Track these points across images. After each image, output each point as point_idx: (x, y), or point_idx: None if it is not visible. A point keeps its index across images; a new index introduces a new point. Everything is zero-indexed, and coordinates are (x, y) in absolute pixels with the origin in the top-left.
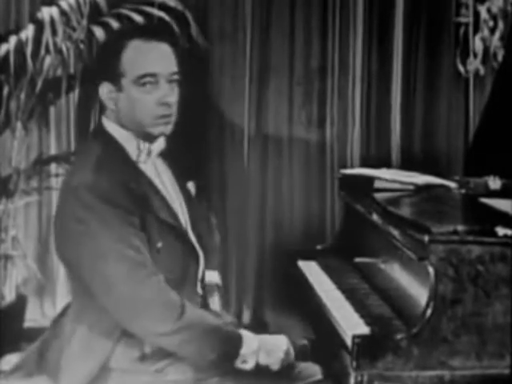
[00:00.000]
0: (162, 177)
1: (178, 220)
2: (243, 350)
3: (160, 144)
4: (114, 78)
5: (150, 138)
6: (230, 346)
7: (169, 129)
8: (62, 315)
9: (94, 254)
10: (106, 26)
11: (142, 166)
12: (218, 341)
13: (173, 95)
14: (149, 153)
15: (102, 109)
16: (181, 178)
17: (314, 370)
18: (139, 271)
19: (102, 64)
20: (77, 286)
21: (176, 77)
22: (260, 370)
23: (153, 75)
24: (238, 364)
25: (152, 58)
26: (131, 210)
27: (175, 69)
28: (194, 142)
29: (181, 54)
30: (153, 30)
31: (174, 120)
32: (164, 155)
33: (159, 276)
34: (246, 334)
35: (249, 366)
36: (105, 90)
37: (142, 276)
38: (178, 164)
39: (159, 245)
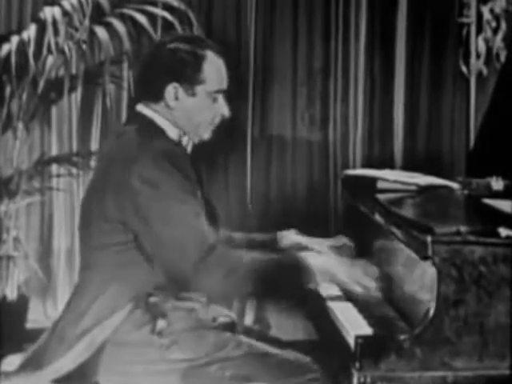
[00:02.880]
0: None
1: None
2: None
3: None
4: (191, 83)
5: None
6: (295, 273)
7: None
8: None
9: (161, 215)
10: (108, 26)
11: None
12: (282, 273)
13: (227, 108)
14: (187, 146)
15: (149, 101)
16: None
17: (315, 365)
18: (207, 236)
19: (179, 66)
20: (111, 254)
21: None
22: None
23: (223, 91)
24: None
25: (224, 76)
26: (195, 182)
27: None
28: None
29: None
30: (211, 44)
31: None
32: None
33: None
34: (305, 256)
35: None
36: (172, 90)
37: (209, 241)
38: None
39: None
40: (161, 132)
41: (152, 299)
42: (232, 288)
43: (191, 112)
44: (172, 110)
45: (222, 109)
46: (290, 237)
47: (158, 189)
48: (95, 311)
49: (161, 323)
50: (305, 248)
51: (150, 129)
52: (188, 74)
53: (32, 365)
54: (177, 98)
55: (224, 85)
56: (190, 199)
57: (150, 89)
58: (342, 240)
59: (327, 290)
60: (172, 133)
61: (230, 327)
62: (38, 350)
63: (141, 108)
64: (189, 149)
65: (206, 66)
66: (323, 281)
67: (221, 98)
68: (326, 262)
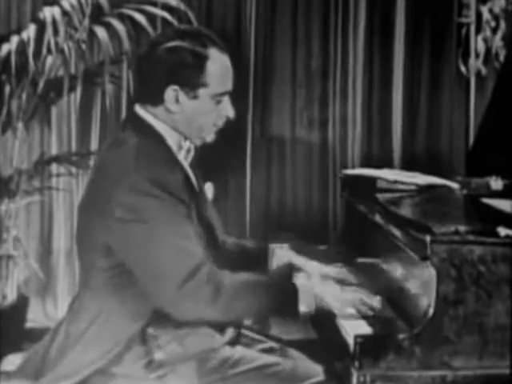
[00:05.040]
0: None
1: (213, 220)
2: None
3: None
4: (192, 86)
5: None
6: (284, 299)
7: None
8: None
9: (146, 241)
10: (107, 26)
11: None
12: (271, 297)
13: (232, 110)
14: (188, 151)
15: (148, 104)
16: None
17: (315, 370)
18: (191, 260)
19: (179, 68)
20: (105, 277)
21: None
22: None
23: (228, 93)
24: (301, 310)
25: (230, 76)
26: (186, 202)
27: None
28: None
29: None
30: (215, 40)
31: None
32: None
33: (208, 265)
34: (300, 283)
35: (309, 309)
36: (172, 93)
37: (192, 265)
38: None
39: None
40: (160, 140)
41: (150, 331)
42: (218, 313)
43: (193, 116)
44: (172, 114)
45: (227, 110)
46: (281, 256)
47: (139, 213)
48: (91, 337)
49: (159, 357)
50: (296, 269)
51: (149, 137)
52: (189, 76)
53: (32, 371)
54: (177, 102)
55: (229, 86)
56: (177, 221)
57: (148, 92)
58: (339, 270)
59: None
60: (172, 139)
61: (236, 339)
62: (39, 355)
63: (139, 110)
64: (190, 155)
65: (209, 66)
66: (311, 305)
67: (226, 100)
68: (315, 287)
